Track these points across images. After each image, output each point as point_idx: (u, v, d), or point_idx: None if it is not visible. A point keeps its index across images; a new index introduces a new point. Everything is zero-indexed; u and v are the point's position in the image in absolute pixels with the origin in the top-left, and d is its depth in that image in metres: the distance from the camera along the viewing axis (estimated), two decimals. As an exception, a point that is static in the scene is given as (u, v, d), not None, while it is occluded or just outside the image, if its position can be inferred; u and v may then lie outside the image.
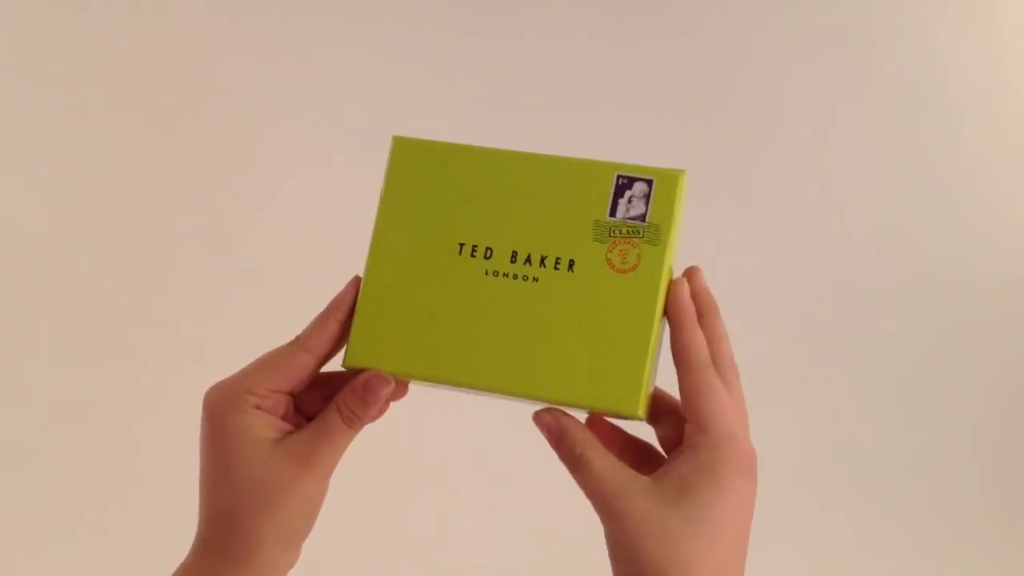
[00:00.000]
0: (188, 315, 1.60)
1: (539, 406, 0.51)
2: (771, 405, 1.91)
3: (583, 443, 0.47)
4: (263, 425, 0.48)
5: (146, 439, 1.49)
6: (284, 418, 0.50)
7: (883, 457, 1.95)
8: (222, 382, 0.50)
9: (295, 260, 1.64)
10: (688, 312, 0.49)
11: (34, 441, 1.47)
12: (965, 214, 2.09)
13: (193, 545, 0.50)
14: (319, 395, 0.52)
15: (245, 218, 1.68)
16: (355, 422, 0.49)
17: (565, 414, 0.49)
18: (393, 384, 0.50)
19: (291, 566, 0.51)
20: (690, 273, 0.52)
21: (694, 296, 0.50)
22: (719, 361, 0.49)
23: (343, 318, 0.51)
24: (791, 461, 1.87)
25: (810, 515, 1.84)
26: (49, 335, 1.54)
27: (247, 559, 0.48)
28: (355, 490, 1.57)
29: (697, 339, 0.49)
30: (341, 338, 0.51)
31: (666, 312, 0.50)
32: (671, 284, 0.51)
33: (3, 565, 1.38)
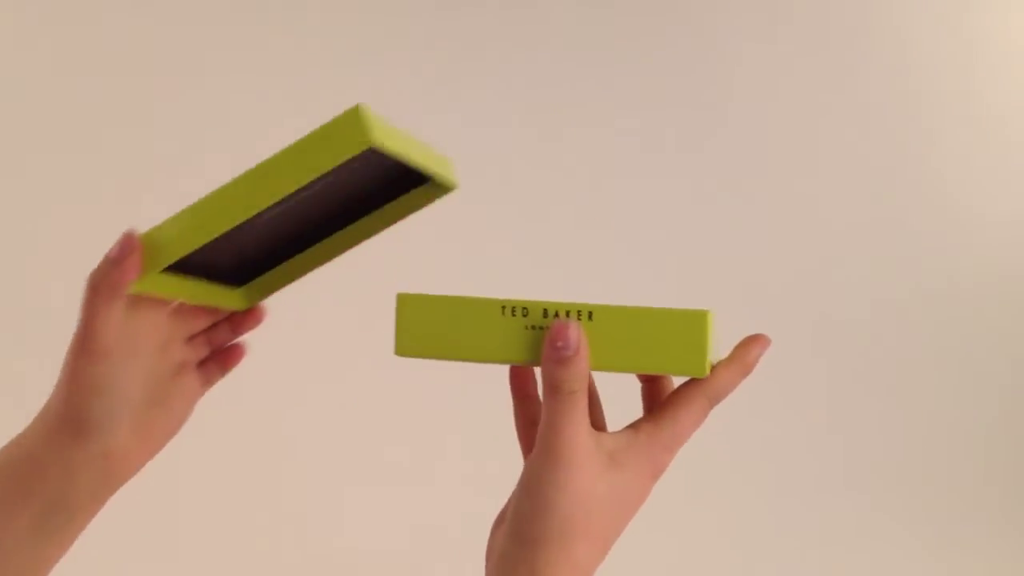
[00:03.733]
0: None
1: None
2: (777, 403, 1.91)
3: (584, 378, 0.47)
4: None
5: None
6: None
7: (890, 454, 1.95)
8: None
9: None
10: (751, 357, 0.52)
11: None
12: (967, 213, 2.09)
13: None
14: None
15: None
16: (106, 283, 0.50)
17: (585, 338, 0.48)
18: (138, 254, 0.49)
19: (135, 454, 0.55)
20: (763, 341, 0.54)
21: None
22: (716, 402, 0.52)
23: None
24: (795, 459, 1.87)
25: (819, 510, 1.84)
26: (44, 330, 1.54)
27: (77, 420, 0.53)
28: (355, 492, 1.56)
29: (733, 378, 0.51)
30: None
31: (735, 349, 0.53)
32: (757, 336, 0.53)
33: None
